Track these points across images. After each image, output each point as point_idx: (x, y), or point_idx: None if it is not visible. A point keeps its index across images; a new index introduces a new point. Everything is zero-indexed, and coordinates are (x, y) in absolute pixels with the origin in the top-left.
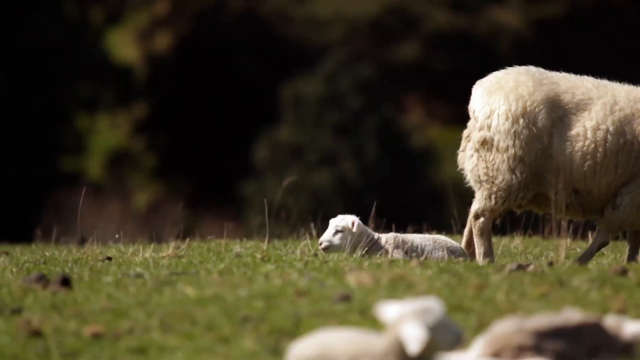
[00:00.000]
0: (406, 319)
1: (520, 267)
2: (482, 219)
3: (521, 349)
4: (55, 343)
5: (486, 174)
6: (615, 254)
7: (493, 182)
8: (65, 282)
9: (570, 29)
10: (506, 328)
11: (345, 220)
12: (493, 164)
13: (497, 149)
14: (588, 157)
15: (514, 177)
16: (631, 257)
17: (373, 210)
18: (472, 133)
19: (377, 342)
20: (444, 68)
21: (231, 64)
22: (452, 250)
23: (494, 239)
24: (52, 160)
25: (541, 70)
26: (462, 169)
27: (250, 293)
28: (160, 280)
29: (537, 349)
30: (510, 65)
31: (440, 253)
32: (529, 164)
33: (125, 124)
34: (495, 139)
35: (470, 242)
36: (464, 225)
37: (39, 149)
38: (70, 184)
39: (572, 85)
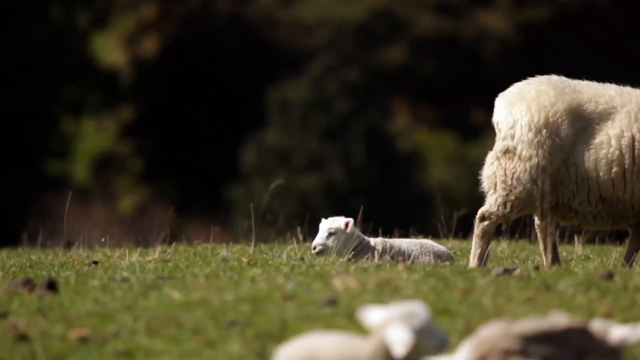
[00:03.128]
0: (392, 323)
1: (507, 271)
2: (487, 222)
3: (507, 354)
4: (42, 347)
5: (504, 181)
6: (602, 257)
7: (511, 191)
8: (52, 286)
9: (556, 32)
10: (492, 332)
11: (337, 222)
12: (513, 173)
13: (520, 158)
14: (614, 164)
15: (535, 186)
16: (628, 260)
17: (360, 214)
18: (496, 143)
19: (363, 346)
20: (431, 72)
21: (218, 68)
22: (438, 255)
23: None
24: (38, 164)
25: (563, 78)
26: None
27: (236, 297)
28: (146, 284)
29: (523, 354)
30: (497, 70)
31: (427, 258)
32: (551, 174)
33: (111, 127)
34: (519, 148)
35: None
36: (450, 230)
37: (25, 153)
38: (57, 188)
39: (595, 93)
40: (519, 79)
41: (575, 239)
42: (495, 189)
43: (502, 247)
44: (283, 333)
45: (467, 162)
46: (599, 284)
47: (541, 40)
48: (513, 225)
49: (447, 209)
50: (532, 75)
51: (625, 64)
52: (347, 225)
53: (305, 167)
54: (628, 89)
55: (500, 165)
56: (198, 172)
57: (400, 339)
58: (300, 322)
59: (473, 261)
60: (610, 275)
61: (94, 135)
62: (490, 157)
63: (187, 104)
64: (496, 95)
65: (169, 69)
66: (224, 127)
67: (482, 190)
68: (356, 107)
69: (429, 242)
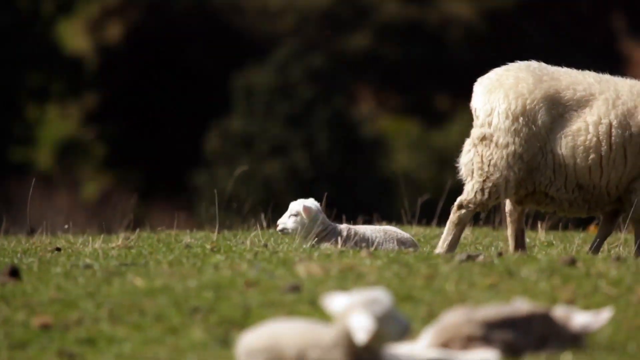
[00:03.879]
0: (354, 309)
1: (470, 258)
2: (464, 211)
3: (470, 339)
4: (4, 334)
5: (481, 168)
6: (565, 244)
7: (488, 178)
8: (14, 272)
9: (520, 19)
10: (455, 318)
11: (300, 205)
12: (490, 160)
13: (497, 145)
14: (591, 151)
15: (511, 173)
16: (597, 248)
17: (324, 200)
18: (473, 129)
19: (326, 332)
20: (395, 58)
21: (182, 54)
22: (402, 241)
23: (443, 229)
24: (1, 151)
25: (542, 65)
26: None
27: (199, 284)
28: (109, 271)
29: (486, 339)
30: (462, 56)
31: (390, 244)
32: (527, 161)
33: (75, 114)
34: (495, 135)
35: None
36: (413, 216)
37: None
38: (20, 175)
39: (573, 81)
40: (483, 66)
41: (539, 225)
42: (472, 176)
43: (465, 233)
44: (246, 319)
45: (431, 148)
46: (562, 271)
47: (506, 26)
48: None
49: (410, 196)
50: (497, 62)
51: (589, 49)
52: (305, 210)
53: (270, 153)
54: (607, 76)
55: (477, 152)
56: (162, 158)
57: (362, 326)
58: (264, 309)
59: (442, 247)
60: (572, 262)
61: (58, 122)
62: (467, 145)
63: (151, 91)
64: (461, 82)
65: (133, 55)
66: (188, 114)
67: (460, 178)
68: (320, 93)
69: (392, 229)
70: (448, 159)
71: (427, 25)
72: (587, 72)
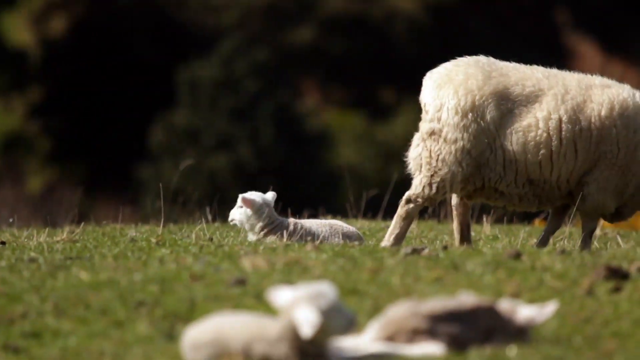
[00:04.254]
0: (299, 303)
1: (415, 251)
2: (412, 205)
3: (415, 333)
4: None
5: (429, 163)
6: (510, 237)
7: (436, 172)
8: None
9: (465, 13)
10: (400, 312)
11: (245, 197)
12: (438, 155)
13: (445, 141)
14: (542, 146)
15: (460, 169)
16: (544, 242)
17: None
18: (421, 124)
19: (271, 326)
20: (340, 52)
21: (127, 48)
22: (347, 235)
23: (389, 223)
24: None
25: (491, 60)
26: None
27: (144, 277)
28: (54, 264)
29: (431, 333)
30: (406, 50)
31: (336, 239)
32: (475, 157)
33: (19, 108)
34: (444, 130)
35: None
36: (359, 210)
37: None
38: None
39: (522, 76)
40: (428, 60)
41: (484, 218)
42: (420, 170)
43: (410, 227)
44: (191, 313)
45: (376, 142)
46: (507, 264)
47: (450, 20)
48: None
49: (356, 189)
50: (441, 56)
51: (534, 43)
52: (244, 202)
53: (215, 147)
54: (555, 71)
55: (426, 147)
56: (107, 152)
57: (307, 320)
58: (209, 302)
59: (389, 240)
60: (517, 255)
61: (2, 116)
62: (416, 139)
63: (95, 84)
64: (406, 76)
65: (77, 49)
66: (133, 107)
67: (408, 172)
68: (265, 87)
69: (338, 223)
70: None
71: (372, 19)
72: (535, 67)
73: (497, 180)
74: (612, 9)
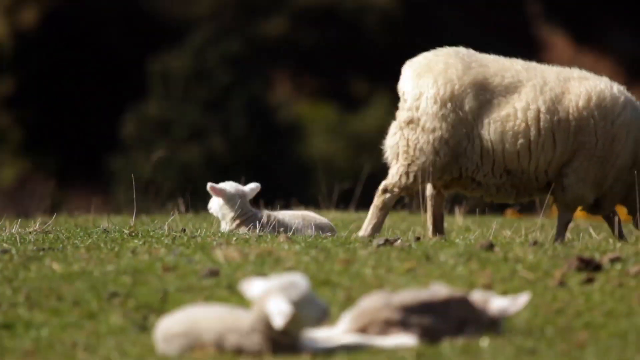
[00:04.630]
0: (271, 294)
1: (388, 242)
2: (388, 195)
3: (388, 324)
4: None
5: (406, 152)
6: (482, 228)
7: (413, 161)
8: None
9: (436, 4)
10: (373, 303)
11: (214, 186)
12: (416, 144)
13: (423, 130)
14: (520, 136)
15: (437, 158)
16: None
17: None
18: (399, 112)
19: (244, 317)
20: (311, 43)
21: (99, 39)
22: (320, 226)
23: (361, 215)
24: None
25: (471, 52)
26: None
27: (117, 268)
28: (27, 255)
29: (403, 324)
30: (378, 42)
31: (309, 230)
32: (452, 147)
33: None
34: (422, 119)
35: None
36: (331, 201)
37: None
38: None
39: (501, 67)
40: (399, 51)
41: (456, 210)
42: (397, 159)
43: None
44: (164, 304)
45: (348, 133)
46: (479, 255)
47: (421, 12)
48: None
49: (328, 181)
50: (413, 48)
51: (505, 34)
52: (212, 190)
53: (187, 138)
54: (533, 64)
55: (404, 135)
56: (79, 143)
57: (279, 311)
58: (182, 294)
59: (366, 230)
60: (490, 247)
61: None
62: (393, 127)
63: (67, 75)
64: (377, 67)
65: (49, 40)
66: (105, 98)
67: (385, 161)
68: (237, 79)
69: (310, 214)
70: (365, 144)
71: (343, 10)
72: (514, 59)
73: (474, 170)
74: (583, 0)
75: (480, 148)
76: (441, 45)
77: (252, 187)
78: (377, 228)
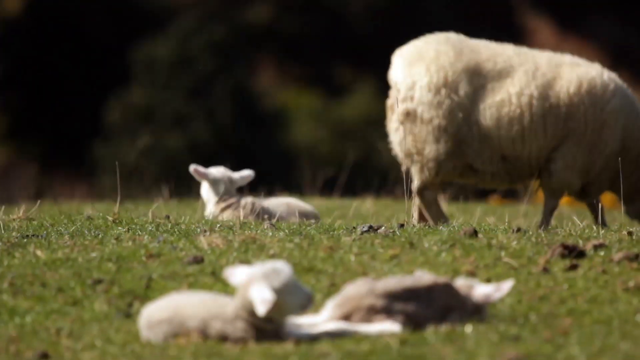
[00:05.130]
0: (254, 281)
1: (372, 229)
2: (426, 193)
3: (372, 311)
4: None
5: (415, 146)
6: (466, 215)
7: (422, 154)
8: None
9: None
10: (357, 290)
11: (198, 169)
12: (419, 136)
13: (422, 121)
14: (515, 122)
15: (440, 147)
16: (602, 221)
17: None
18: (395, 103)
19: (228, 304)
20: (296, 30)
21: (83, 25)
22: (304, 214)
23: (345, 202)
24: None
25: (462, 37)
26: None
27: (101, 255)
28: (10, 242)
29: (387, 311)
30: (361, 29)
31: (293, 217)
32: (452, 134)
33: None
34: (419, 110)
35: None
36: (315, 188)
37: None
38: None
39: (493, 53)
40: (384, 39)
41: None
42: (411, 156)
43: (367, 205)
44: (148, 291)
45: (332, 120)
46: (463, 242)
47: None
48: (379, 183)
49: (312, 168)
50: (398, 35)
51: (488, 21)
52: (195, 172)
53: (171, 125)
54: (524, 49)
55: (407, 131)
56: (64, 130)
57: (262, 298)
58: (166, 281)
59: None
60: (474, 233)
61: None
62: (394, 122)
63: (51, 62)
64: (361, 55)
65: (33, 26)
66: (89, 85)
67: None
68: (221, 66)
69: (294, 201)
70: (349, 131)
71: None
72: (505, 44)
73: (473, 157)
74: None
75: (478, 134)
76: (424, 32)
77: (244, 174)
78: (438, 217)
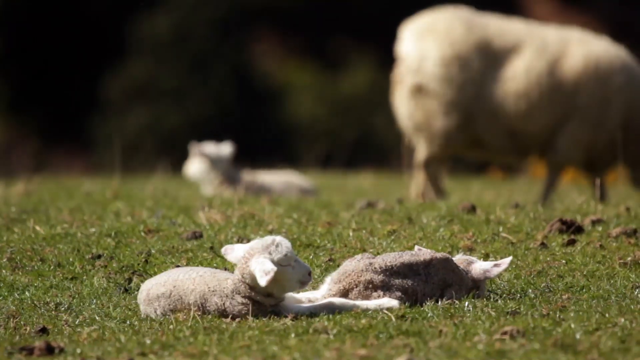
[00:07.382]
0: (255, 255)
1: (370, 204)
2: (431, 166)
3: (370, 286)
4: None
5: (424, 119)
6: (464, 190)
7: (432, 128)
8: None
9: None
10: (355, 265)
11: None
12: (428, 110)
13: (433, 95)
14: (523, 97)
15: (450, 121)
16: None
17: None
18: (404, 77)
19: (227, 279)
20: (296, 5)
21: (82, 1)
22: (303, 189)
23: (344, 176)
24: None
25: (470, 12)
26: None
27: (100, 231)
28: (10, 217)
29: (386, 286)
30: (364, 2)
31: (292, 192)
32: (463, 108)
33: None
34: (430, 85)
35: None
36: (314, 164)
37: None
38: None
39: (502, 28)
40: (384, 11)
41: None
42: (420, 130)
43: (367, 181)
44: (147, 267)
45: (332, 96)
46: (462, 217)
47: None
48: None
49: (311, 143)
50: (396, 9)
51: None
52: (198, 152)
53: (171, 102)
54: (533, 24)
55: (417, 104)
56: (63, 106)
57: (262, 269)
58: (164, 256)
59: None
60: (472, 209)
61: None
62: (402, 96)
63: (49, 38)
64: (363, 28)
65: (32, 1)
66: (88, 61)
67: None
68: (221, 42)
69: (293, 177)
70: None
71: None
72: (514, 19)
73: (482, 131)
74: None
75: (487, 108)
76: (426, 5)
77: (229, 146)
78: (441, 196)
